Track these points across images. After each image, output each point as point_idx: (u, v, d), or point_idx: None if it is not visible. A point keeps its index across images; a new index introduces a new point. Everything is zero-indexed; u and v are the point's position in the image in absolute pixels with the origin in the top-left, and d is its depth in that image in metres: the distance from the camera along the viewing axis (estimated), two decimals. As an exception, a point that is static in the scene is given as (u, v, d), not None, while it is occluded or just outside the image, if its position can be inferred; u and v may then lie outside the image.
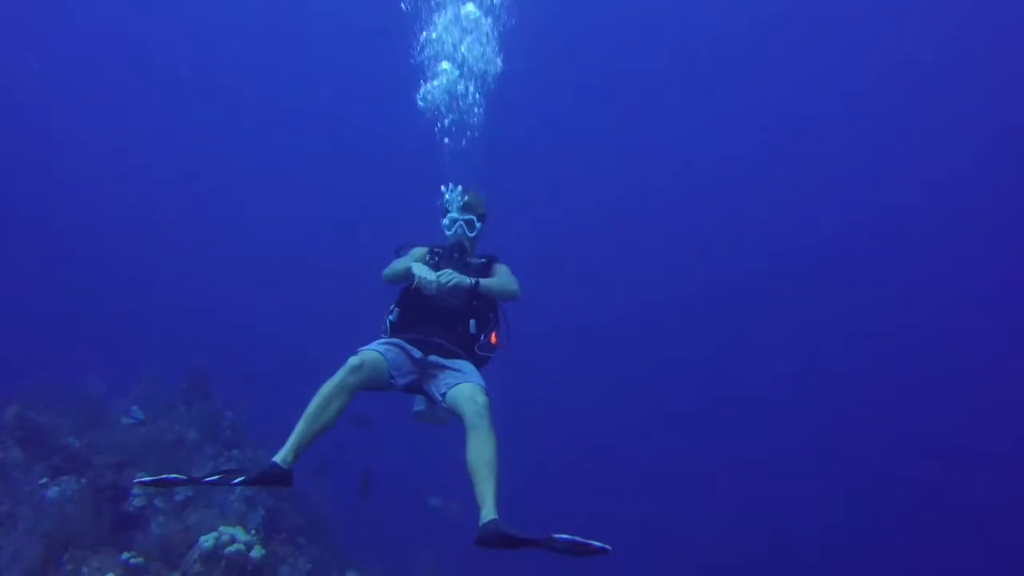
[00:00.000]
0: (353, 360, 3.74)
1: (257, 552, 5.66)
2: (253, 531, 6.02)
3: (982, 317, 25.67)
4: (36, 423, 8.23)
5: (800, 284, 26.40)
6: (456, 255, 4.46)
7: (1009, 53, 22.70)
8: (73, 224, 24.58)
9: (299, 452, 3.47)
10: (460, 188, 4.73)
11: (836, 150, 26.62)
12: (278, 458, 3.40)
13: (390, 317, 4.35)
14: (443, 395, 3.90)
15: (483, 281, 4.26)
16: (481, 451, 3.47)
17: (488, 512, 3.26)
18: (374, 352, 3.90)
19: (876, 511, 20.10)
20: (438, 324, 4.20)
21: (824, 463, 21.97)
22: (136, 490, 7.75)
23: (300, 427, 3.50)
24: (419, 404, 4.47)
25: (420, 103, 6.48)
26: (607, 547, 2.97)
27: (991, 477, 20.96)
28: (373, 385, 3.86)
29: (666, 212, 27.73)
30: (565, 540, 2.99)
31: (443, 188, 4.80)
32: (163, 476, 3.45)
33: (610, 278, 27.16)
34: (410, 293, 4.29)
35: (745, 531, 17.52)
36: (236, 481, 3.35)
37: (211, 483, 3.44)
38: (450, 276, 4.10)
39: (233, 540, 5.67)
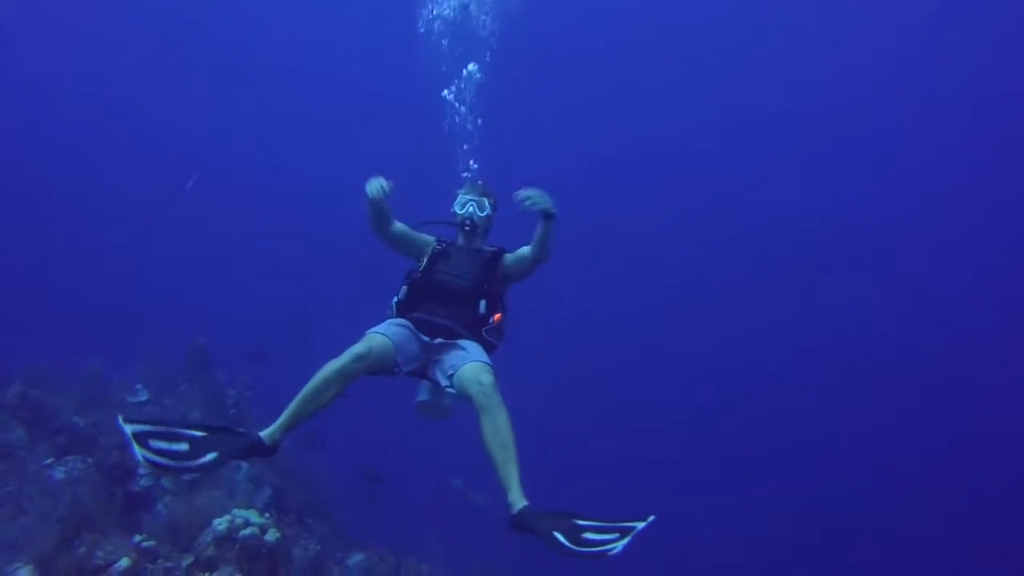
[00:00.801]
0: (359, 348, 3.64)
1: (272, 535, 5.60)
2: (267, 514, 5.95)
3: (990, 311, 25.50)
4: (39, 402, 8.12)
5: (808, 272, 26.26)
6: (468, 228, 4.38)
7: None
8: (70, 201, 24.25)
9: (289, 431, 3.41)
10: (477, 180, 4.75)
11: (838, 138, 26.31)
12: (265, 434, 3.32)
13: (397, 297, 4.25)
14: (450, 378, 3.81)
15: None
16: (495, 432, 3.41)
17: (516, 498, 3.22)
18: (382, 337, 3.79)
19: (877, 507, 20.21)
20: (446, 305, 4.12)
21: (822, 458, 22.04)
22: (142, 469, 7.68)
23: (293, 408, 3.43)
24: (423, 393, 4.36)
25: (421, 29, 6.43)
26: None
27: (992, 476, 21.08)
28: (376, 371, 3.76)
29: (667, 194, 27.49)
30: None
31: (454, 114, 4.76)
32: (156, 458, 2.99)
33: (615, 263, 26.96)
34: (418, 273, 4.21)
35: (744, 526, 17.59)
36: (209, 459, 3.03)
37: (201, 467, 3.04)
38: (540, 195, 3.84)
39: (247, 523, 5.61)
